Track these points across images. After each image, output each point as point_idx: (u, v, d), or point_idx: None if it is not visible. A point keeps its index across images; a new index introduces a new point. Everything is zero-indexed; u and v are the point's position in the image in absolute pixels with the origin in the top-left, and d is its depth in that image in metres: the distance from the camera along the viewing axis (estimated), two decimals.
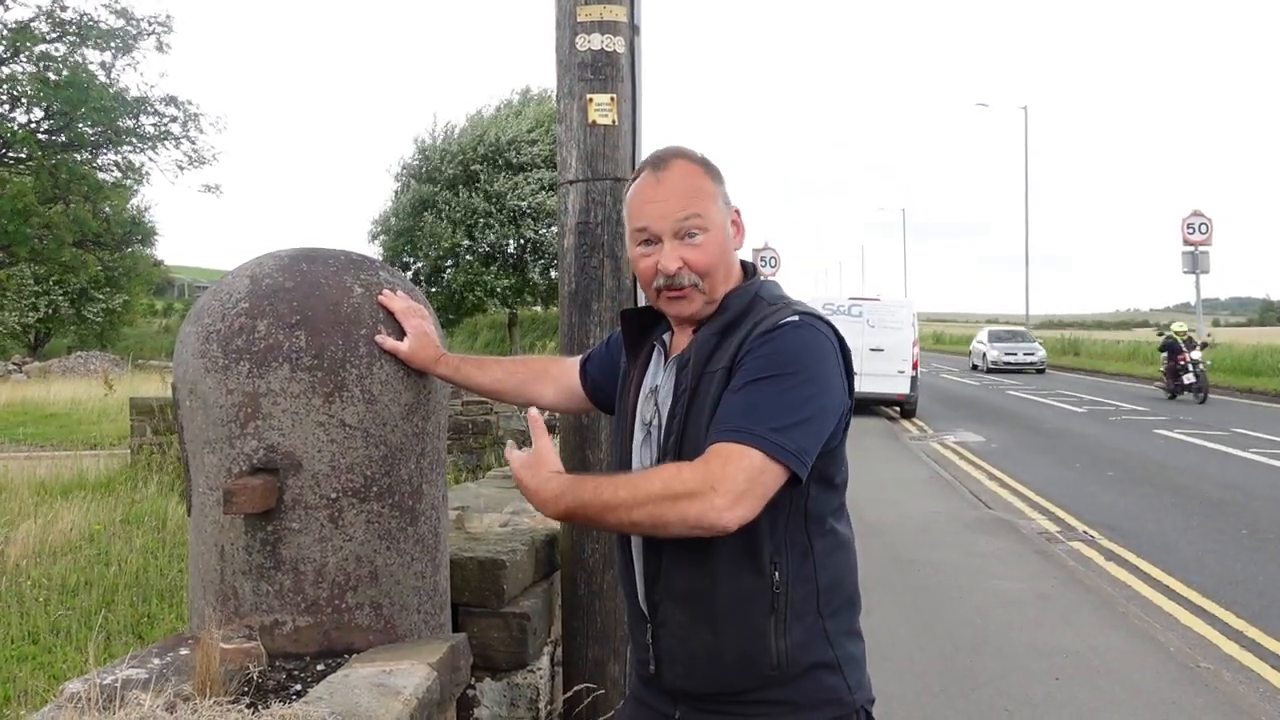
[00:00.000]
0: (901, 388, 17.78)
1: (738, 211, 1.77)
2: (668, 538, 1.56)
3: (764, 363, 1.54)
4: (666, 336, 1.79)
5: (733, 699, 1.63)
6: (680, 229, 1.65)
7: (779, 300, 1.68)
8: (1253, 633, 5.45)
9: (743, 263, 1.80)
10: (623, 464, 1.78)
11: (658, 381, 1.75)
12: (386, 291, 2.21)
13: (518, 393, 2.17)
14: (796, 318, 1.60)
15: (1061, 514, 8.84)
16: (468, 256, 31.60)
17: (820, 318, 1.63)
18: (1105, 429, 15.38)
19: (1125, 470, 11.15)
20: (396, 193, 33.33)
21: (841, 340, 1.65)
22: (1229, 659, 5.04)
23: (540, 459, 1.63)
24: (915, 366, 18.12)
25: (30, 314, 31.96)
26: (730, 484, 1.45)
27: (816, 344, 1.58)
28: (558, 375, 2.13)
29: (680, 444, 1.62)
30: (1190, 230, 27.16)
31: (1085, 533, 8.07)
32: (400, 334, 2.17)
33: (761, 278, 1.77)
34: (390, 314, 2.18)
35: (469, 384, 2.18)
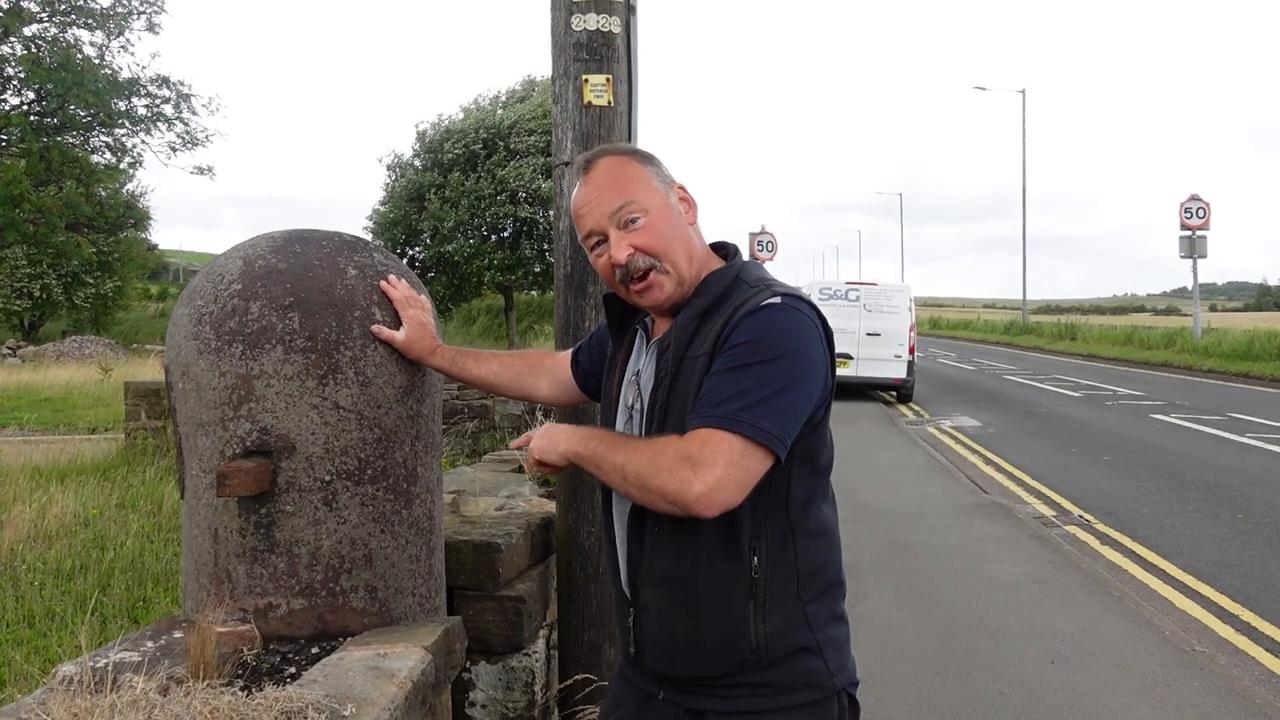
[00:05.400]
0: (898, 372, 17.77)
1: (683, 187, 1.76)
2: (654, 511, 1.58)
3: (747, 347, 1.54)
4: (649, 320, 1.79)
5: (714, 682, 1.64)
6: (619, 219, 1.67)
7: (760, 282, 1.66)
8: (1247, 616, 5.47)
9: (723, 244, 1.79)
10: None
11: (640, 366, 1.76)
12: (392, 278, 2.21)
13: (514, 386, 2.17)
14: (778, 299, 1.59)
15: (1057, 498, 8.85)
16: (470, 239, 31.54)
17: (801, 298, 1.62)
18: (1101, 413, 15.39)
19: (1121, 455, 11.17)
20: (389, 185, 33.19)
21: (823, 320, 1.64)
22: (1224, 642, 5.06)
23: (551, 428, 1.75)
24: (912, 351, 18.12)
25: (17, 301, 31.63)
26: (708, 467, 1.47)
27: (798, 325, 1.58)
28: (553, 369, 2.14)
29: (662, 430, 1.62)
30: (1188, 214, 27.13)
31: (1081, 517, 8.08)
32: (396, 321, 2.16)
33: (742, 259, 1.76)
34: (386, 298, 2.17)
35: (465, 376, 2.17)
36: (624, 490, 1.58)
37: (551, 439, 1.68)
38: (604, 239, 1.69)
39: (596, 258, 1.72)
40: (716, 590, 1.60)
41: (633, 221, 1.66)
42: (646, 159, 1.74)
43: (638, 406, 1.71)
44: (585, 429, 1.68)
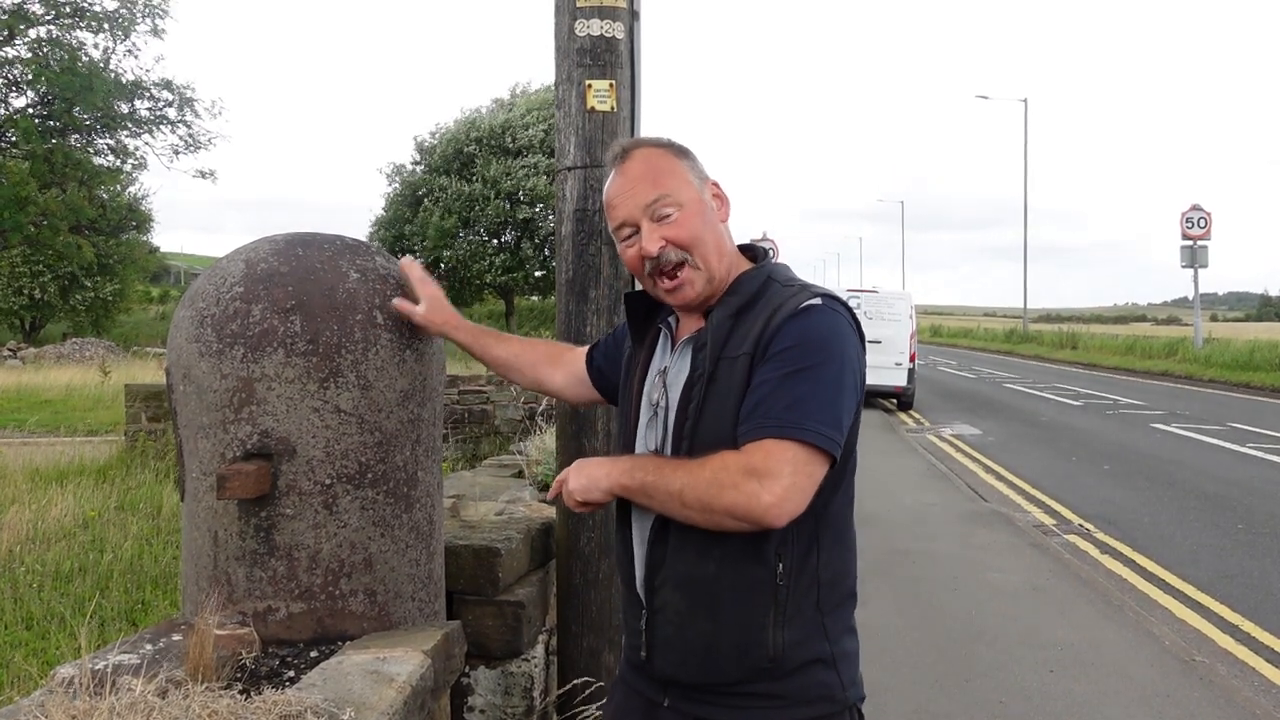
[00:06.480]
0: (899, 380, 17.77)
1: (716, 184, 1.75)
2: (719, 530, 1.53)
3: (795, 351, 1.53)
4: (672, 319, 1.77)
5: (725, 690, 1.60)
6: (653, 210, 1.65)
7: (793, 282, 1.66)
8: (1248, 627, 5.46)
9: (753, 246, 1.79)
10: (626, 446, 1.76)
11: (666, 363, 1.73)
12: (408, 258, 2.24)
13: (529, 371, 2.16)
14: (818, 300, 1.59)
15: (1057, 507, 8.85)
16: (468, 239, 31.60)
17: (838, 299, 1.62)
18: (1102, 422, 15.39)
19: (1122, 464, 11.16)
20: (388, 194, 33.40)
21: (857, 321, 1.65)
22: (1224, 653, 5.05)
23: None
24: (913, 359, 18.12)
25: (14, 299, 31.59)
26: (775, 477, 1.45)
27: (840, 328, 1.58)
28: (569, 361, 2.12)
29: (695, 429, 1.59)
30: (1189, 224, 27.15)
31: (1081, 526, 8.08)
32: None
33: (773, 261, 1.75)
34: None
35: (485, 354, 2.17)
36: (683, 515, 1.53)
37: (591, 476, 1.63)
38: (636, 230, 1.67)
39: (626, 249, 1.70)
40: (738, 595, 1.57)
41: (666, 215, 1.65)
42: (683, 153, 1.72)
43: (663, 404, 1.68)
44: (624, 459, 1.65)
